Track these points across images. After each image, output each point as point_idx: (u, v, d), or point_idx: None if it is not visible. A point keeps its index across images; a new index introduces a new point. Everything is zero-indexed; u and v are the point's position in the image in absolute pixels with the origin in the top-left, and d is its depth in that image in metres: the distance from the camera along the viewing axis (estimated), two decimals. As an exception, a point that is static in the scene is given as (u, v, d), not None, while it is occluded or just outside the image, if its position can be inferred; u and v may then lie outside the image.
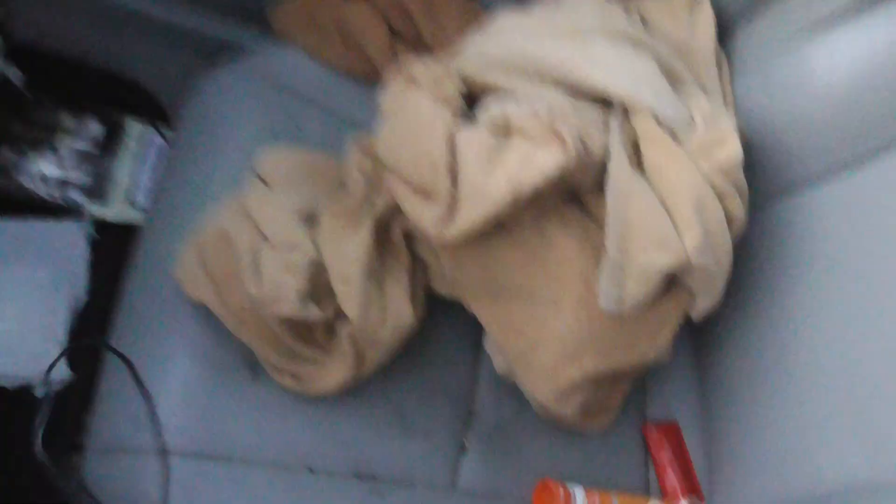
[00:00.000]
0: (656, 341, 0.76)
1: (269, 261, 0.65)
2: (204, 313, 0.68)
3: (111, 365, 0.69)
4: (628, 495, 0.83)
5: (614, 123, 0.71)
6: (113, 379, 0.68)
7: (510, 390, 0.80)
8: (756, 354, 0.83)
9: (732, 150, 0.71)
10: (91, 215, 0.98)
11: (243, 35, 0.91)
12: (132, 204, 0.99)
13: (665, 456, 0.89)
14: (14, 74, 0.92)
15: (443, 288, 0.75)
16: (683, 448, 0.90)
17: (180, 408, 0.64)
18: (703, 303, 0.74)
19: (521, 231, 0.70)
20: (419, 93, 0.68)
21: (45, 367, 0.84)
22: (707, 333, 0.89)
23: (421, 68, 0.70)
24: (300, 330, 0.67)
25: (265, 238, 0.66)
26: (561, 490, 0.77)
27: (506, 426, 0.81)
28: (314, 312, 0.65)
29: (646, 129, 0.71)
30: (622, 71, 0.73)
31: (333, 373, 0.68)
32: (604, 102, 0.73)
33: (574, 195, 0.72)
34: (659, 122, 0.72)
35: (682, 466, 0.89)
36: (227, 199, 0.71)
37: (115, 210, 0.99)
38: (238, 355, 0.67)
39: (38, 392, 0.85)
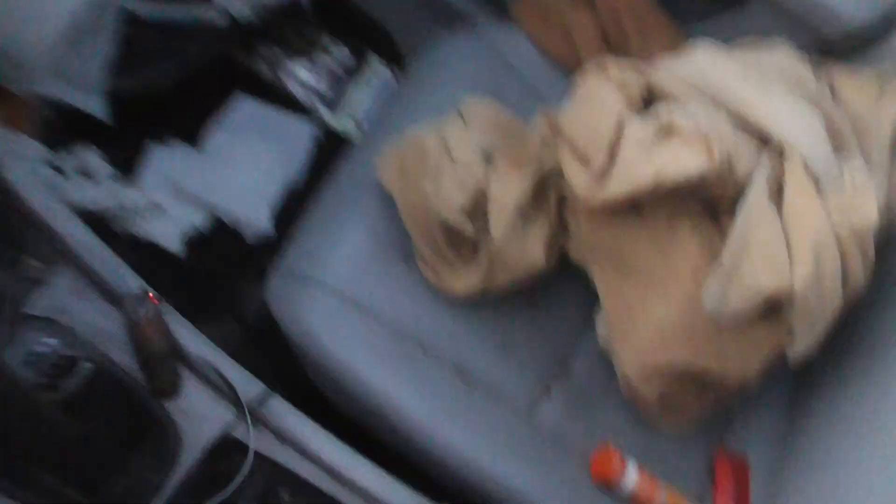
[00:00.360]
0: (746, 363, 0.84)
1: (449, 175, 0.82)
2: (385, 202, 0.86)
3: (304, 223, 0.89)
4: (677, 494, 0.90)
5: (765, 158, 0.81)
6: (303, 232, 0.89)
7: (604, 364, 0.90)
8: (848, 417, 0.85)
9: (868, 213, 0.77)
10: (322, 121, 1.21)
11: (480, 12, 1.10)
12: (356, 123, 1.21)
13: (728, 486, 0.94)
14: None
15: (576, 254, 0.88)
16: (747, 485, 0.95)
17: (346, 260, 0.83)
18: (801, 343, 0.80)
19: (655, 220, 0.81)
20: (608, 84, 0.82)
21: (258, 218, 1.08)
22: (804, 383, 0.94)
23: (615, 67, 0.84)
24: (452, 236, 0.83)
25: (451, 158, 0.83)
26: (617, 456, 0.87)
27: (591, 390, 0.91)
28: (467, 226, 0.81)
29: (793, 172, 0.80)
30: (788, 116, 0.82)
31: (465, 280, 0.83)
32: (763, 140, 0.82)
33: (712, 210, 0.83)
34: (807, 170, 0.80)
35: (739, 500, 0.93)
36: (431, 124, 0.88)
37: (342, 123, 1.21)
38: (399, 240, 0.85)
39: (248, 237, 1.09)
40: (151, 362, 0.67)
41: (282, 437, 0.71)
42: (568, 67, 1.00)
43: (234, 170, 1.13)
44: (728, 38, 0.92)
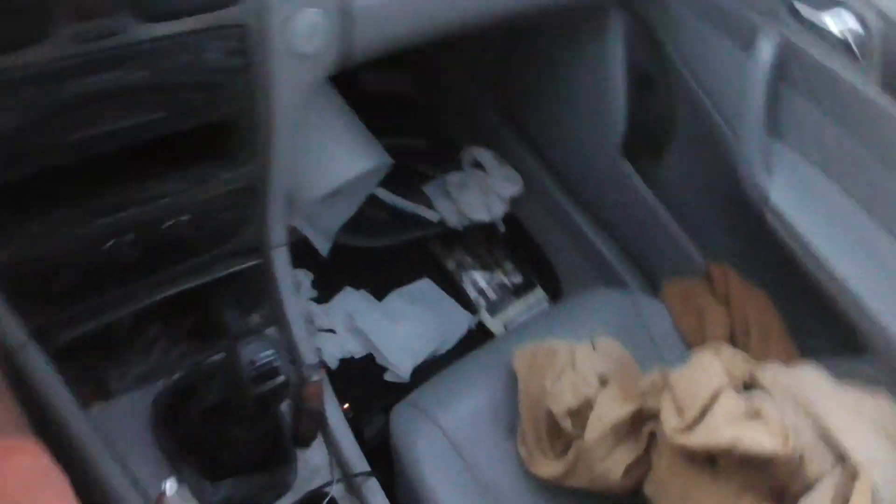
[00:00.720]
0: None
1: (567, 379, 1.01)
2: (510, 383, 1.06)
3: (442, 372, 1.11)
4: None
5: (838, 471, 0.92)
6: (438, 378, 1.10)
7: None
8: None
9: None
10: (480, 319, 1.46)
11: (636, 281, 1.34)
12: (505, 327, 1.45)
13: None
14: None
15: (649, 489, 1.01)
16: None
17: (464, 412, 1.02)
18: None
19: (727, 484, 0.93)
20: (718, 360, 1.00)
21: (402, 367, 1.31)
22: None
23: (728, 351, 1.02)
24: (553, 429, 1.00)
25: (573, 368, 1.03)
26: None
27: None
28: (567, 424, 0.98)
29: (861, 493, 0.91)
30: (870, 447, 0.94)
31: (551, 468, 0.98)
32: (840, 458, 0.94)
33: (779, 496, 0.94)
34: (875, 498, 0.90)
35: None
36: (564, 342, 1.09)
37: (495, 325, 1.45)
38: (510, 416, 1.03)
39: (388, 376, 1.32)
40: (304, 415, 0.88)
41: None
42: (692, 344, 1.19)
43: (398, 326, 1.39)
44: (839, 375, 1.07)
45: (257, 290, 0.95)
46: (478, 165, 1.56)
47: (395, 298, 1.45)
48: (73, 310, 0.79)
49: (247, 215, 0.85)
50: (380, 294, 1.45)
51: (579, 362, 1.05)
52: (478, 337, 1.44)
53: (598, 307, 1.23)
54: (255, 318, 0.95)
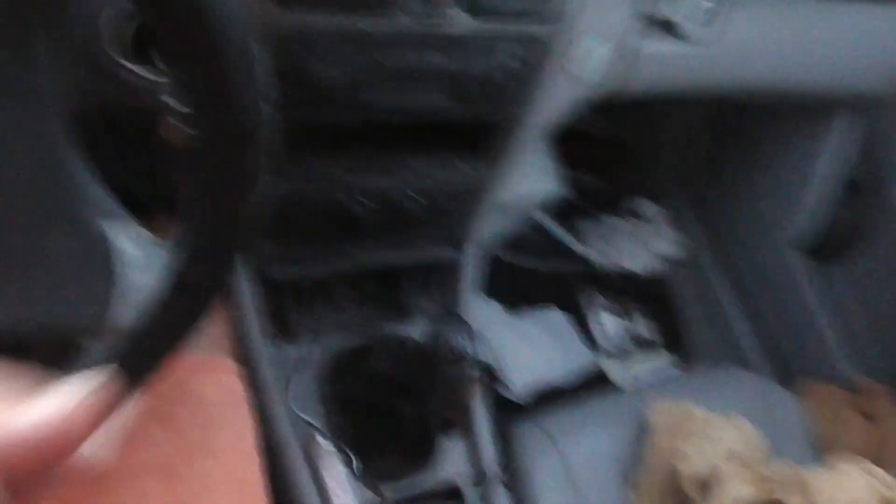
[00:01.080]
0: None
1: (701, 446, 1.01)
2: (636, 433, 1.07)
3: (574, 402, 1.13)
4: None
5: None
6: (569, 407, 1.12)
7: None
8: None
9: None
10: (601, 361, 1.47)
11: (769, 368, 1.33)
12: (628, 380, 1.46)
13: None
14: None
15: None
16: None
17: (587, 448, 1.03)
18: None
19: None
20: (865, 475, 0.99)
21: (517, 385, 1.34)
22: None
23: (878, 471, 1.01)
24: (674, 489, 1.00)
25: (709, 437, 1.04)
26: None
27: None
28: (693, 490, 0.99)
29: None
30: None
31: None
32: None
33: None
34: None
35: None
36: (702, 410, 1.10)
37: (615, 372, 1.47)
38: (629, 464, 1.04)
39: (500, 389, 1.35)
40: (454, 406, 0.92)
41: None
42: (825, 450, 1.18)
43: (525, 346, 1.41)
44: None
45: (442, 279, 0.99)
46: (639, 217, 1.57)
47: (527, 319, 1.47)
48: (301, 251, 0.85)
49: (463, 208, 0.90)
50: (508, 309, 1.48)
51: (715, 433, 1.05)
52: (594, 379, 1.45)
53: (733, 385, 1.23)
54: (432, 305, 1.00)
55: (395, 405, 0.86)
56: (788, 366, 1.40)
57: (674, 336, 1.55)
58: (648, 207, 1.57)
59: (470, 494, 0.91)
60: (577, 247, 1.54)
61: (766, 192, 1.39)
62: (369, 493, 0.82)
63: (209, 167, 0.40)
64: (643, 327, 1.54)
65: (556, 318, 1.51)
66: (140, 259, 0.50)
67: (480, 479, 0.90)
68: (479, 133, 0.81)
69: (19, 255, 0.46)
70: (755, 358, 1.44)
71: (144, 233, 0.52)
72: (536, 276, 1.54)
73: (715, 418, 1.08)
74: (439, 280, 0.97)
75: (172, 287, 0.43)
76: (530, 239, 1.53)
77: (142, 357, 0.42)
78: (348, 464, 0.83)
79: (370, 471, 0.83)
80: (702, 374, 1.30)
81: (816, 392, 1.26)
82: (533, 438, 1.06)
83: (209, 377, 0.71)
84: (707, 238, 1.53)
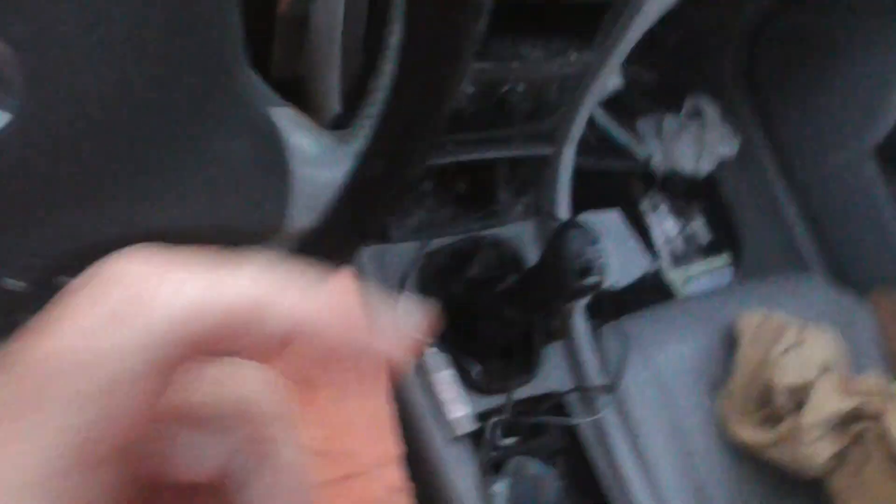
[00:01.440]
0: None
1: (794, 356, 0.99)
2: (725, 342, 1.05)
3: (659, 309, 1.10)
4: None
5: None
6: (653, 314, 1.09)
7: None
8: None
9: None
10: (660, 264, 1.44)
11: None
12: (684, 280, 1.43)
13: None
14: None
15: (839, 483, 1.00)
16: None
17: (672, 355, 1.02)
18: None
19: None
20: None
21: None
22: None
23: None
24: (764, 397, 0.99)
25: (801, 347, 1.01)
26: None
27: None
28: (784, 399, 0.97)
29: None
30: None
31: (753, 435, 0.98)
32: None
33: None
34: None
35: None
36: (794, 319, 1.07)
37: (672, 277, 1.43)
38: (717, 373, 1.03)
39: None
40: (559, 314, 0.88)
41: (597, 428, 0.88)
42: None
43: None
44: None
45: (533, 178, 0.93)
46: (697, 115, 1.50)
47: (587, 220, 1.42)
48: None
49: (565, 101, 0.83)
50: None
51: (807, 343, 1.03)
52: (652, 283, 1.42)
53: (812, 294, 1.21)
54: (520, 206, 0.94)
55: (502, 311, 0.82)
56: (850, 276, 1.38)
57: (731, 240, 1.52)
58: (708, 105, 1.49)
59: (573, 402, 0.88)
60: (635, 146, 1.47)
61: (842, 97, 1.32)
62: (484, 400, 0.80)
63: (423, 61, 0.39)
64: (701, 230, 1.50)
65: (617, 220, 1.46)
66: (317, 155, 0.43)
67: (582, 386, 0.87)
68: (588, 17, 0.73)
69: (189, 155, 0.40)
70: (814, 262, 1.41)
71: (318, 127, 0.45)
72: (591, 175, 1.47)
73: (810, 330, 1.06)
74: (536, 180, 0.91)
75: (359, 183, 0.41)
76: (587, 138, 1.46)
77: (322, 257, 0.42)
78: (461, 370, 0.79)
79: (485, 377, 0.79)
80: (776, 282, 1.27)
81: (891, 299, 1.24)
82: (624, 346, 1.03)
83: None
84: (770, 142, 1.47)
